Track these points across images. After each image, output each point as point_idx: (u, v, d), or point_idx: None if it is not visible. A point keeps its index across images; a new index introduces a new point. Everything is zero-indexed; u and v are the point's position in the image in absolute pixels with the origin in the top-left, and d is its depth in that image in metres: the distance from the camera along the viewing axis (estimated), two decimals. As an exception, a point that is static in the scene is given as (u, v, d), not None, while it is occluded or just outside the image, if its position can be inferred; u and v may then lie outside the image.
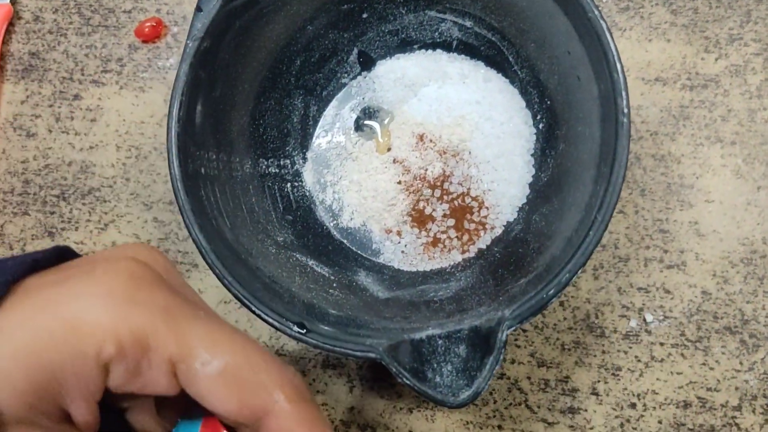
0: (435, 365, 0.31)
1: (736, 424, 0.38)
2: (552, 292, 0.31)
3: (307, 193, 0.43)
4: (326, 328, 0.32)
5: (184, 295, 0.24)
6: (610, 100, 0.33)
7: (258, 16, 0.37)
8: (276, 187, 0.41)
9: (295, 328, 0.31)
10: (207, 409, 0.23)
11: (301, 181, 0.43)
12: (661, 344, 0.39)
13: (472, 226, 0.41)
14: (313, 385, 0.41)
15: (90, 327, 0.21)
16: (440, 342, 0.32)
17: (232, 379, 0.22)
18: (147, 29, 0.47)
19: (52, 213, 0.46)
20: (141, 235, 0.45)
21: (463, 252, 0.41)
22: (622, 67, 0.32)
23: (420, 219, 0.42)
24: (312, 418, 0.23)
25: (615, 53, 0.33)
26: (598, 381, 0.39)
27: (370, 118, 0.44)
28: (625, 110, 0.32)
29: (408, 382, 0.30)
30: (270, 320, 0.32)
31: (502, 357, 0.30)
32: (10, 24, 0.50)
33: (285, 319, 0.32)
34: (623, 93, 0.32)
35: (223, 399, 0.22)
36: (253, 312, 0.32)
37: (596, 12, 0.33)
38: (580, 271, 0.32)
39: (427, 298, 0.38)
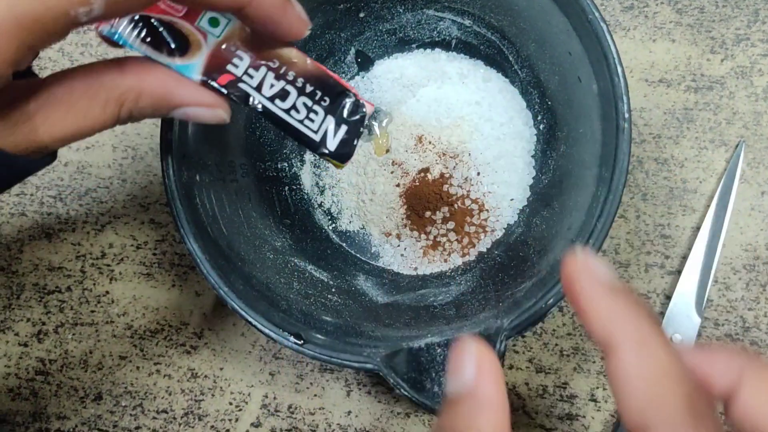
0: (433, 374, 0.31)
1: None
2: (551, 301, 0.31)
3: (305, 197, 0.43)
4: (323, 337, 0.32)
5: None
6: (610, 102, 0.32)
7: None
8: (273, 191, 0.41)
9: (292, 339, 0.31)
10: None
11: (299, 184, 0.43)
12: (662, 350, 0.39)
13: (473, 229, 0.41)
14: (310, 389, 0.41)
15: None
16: (439, 350, 0.32)
17: None
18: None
19: (49, 214, 0.46)
20: (137, 236, 0.45)
21: (464, 255, 0.41)
22: (623, 70, 0.32)
23: (419, 222, 0.41)
24: None
25: (616, 56, 0.32)
26: (597, 387, 0.39)
27: (368, 120, 0.43)
28: (626, 115, 0.32)
29: (406, 393, 0.30)
30: (266, 331, 0.31)
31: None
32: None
33: (282, 329, 0.31)
34: (624, 97, 0.32)
35: None
36: (249, 323, 0.31)
37: (597, 14, 0.32)
38: (579, 280, 0.31)
39: (426, 302, 0.38)
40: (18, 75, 0.25)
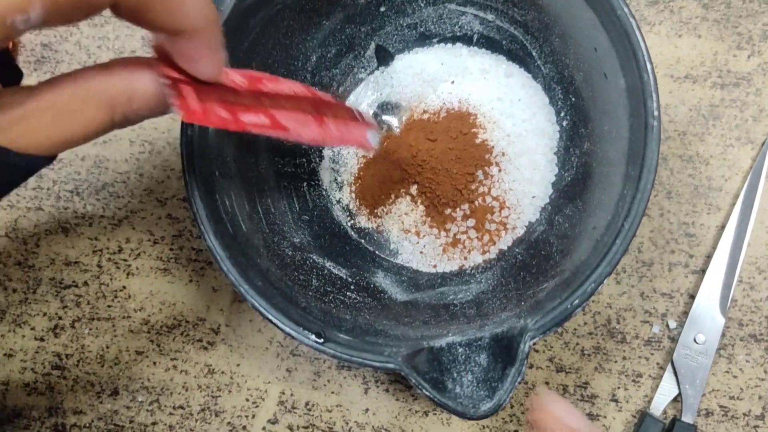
0: (455, 375, 0.31)
1: (761, 434, 0.37)
2: (577, 302, 0.30)
3: (324, 193, 0.42)
4: (343, 336, 0.32)
5: None
6: (638, 100, 0.32)
7: (273, 14, 0.36)
8: (292, 187, 0.40)
9: (313, 338, 0.31)
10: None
11: (318, 180, 0.42)
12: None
13: (493, 226, 0.40)
14: (327, 386, 0.41)
15: None
16: (461, 350, 0.31)
17: None
18: (160, 20, 0.46)
19: (66, 208, 0.46)
20: (155, 231, 0.44)
21: (484, 253, 0.40)
22: (652, 67, 0.31)
23: (439, 219, 0.41)
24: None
25: (645, 53, 0.31)
26: (618, 387, 0.38)
27: (387, 114, 0.43)
28: (656, 113, 0.31)
29: (428, 393, 0.30)
30: (287, 329, 0.31)
31: (524, 369, 0.30)
32: (21, 14, 0.49)
33: (302, 328, 0.31)
34: (654, 95, 0.31)
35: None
36: (270, 321, 0.31)
37: (625, 9, 0.32)
38: (606, 280, 0.31)
39: (446, 301, 0.38)
40: (5, 83, 0.24)
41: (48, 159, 0.24)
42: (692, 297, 0.39)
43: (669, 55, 0.41)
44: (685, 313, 0.39)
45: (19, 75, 0.27)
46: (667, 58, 0.41)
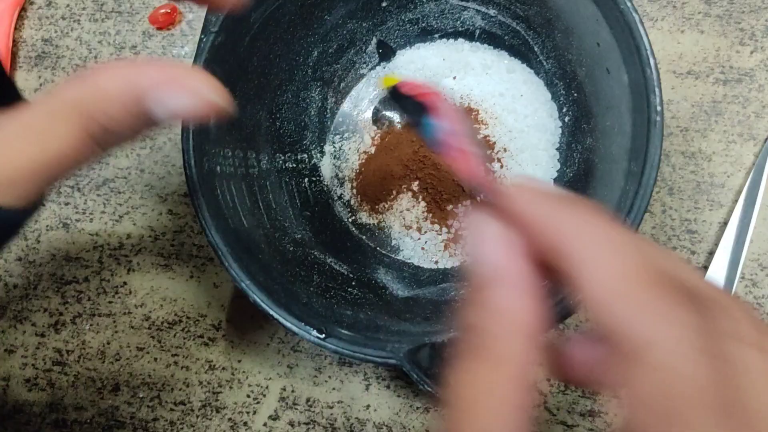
0: (456, 370, 0.31)
1: None
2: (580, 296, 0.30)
3: (325, 188, 0.42)
4: (345, 332, 0.32)
5: None
6: (641, 95, 0.32)
7: (274, 9, 0.36)
8: (293, 183, 0.40)
9: (315, 333, 0.31)
10: None
11: (319, 175, 0.42)
12: (687, 347, 0.38)
13: (494, 223, 0.40)
14: (328, 382, 0.41)
15: None
16: (462, 346, 0.31)
17: None
18: (161, 16, 0.46)
19: (67, 204, 0.46)
20: (155, 227, 0.44)
21: (484, 249, 0.40)
22: (655, 62, 0.31)
23: (441, 215, 0.41)
24: None
25: (648, 48, 0.31)
26: (621, 384, 0.38)
27: (388, 110, 0.43)
28: (658, 108, 0.31)
29: (429, 389, 0.30)
30: (288, 325, 0.31)
31: (526, 365, 0.30)
32: (23, 9, 0.49)
33: (304, 323, 0.31)
34: (656, 90, 0.31)
35: None
36: (271, 316, 0.31)
37: (629, 4, 0.31)
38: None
39: (448, 297, 0.38)
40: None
41: (26, 211, 0.19)
42: (694, 293, 0.39)
43: (671, 50, 0.41)
44: (687, 310, 0.38)
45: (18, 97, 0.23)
46: (670, 54, 0.41)
